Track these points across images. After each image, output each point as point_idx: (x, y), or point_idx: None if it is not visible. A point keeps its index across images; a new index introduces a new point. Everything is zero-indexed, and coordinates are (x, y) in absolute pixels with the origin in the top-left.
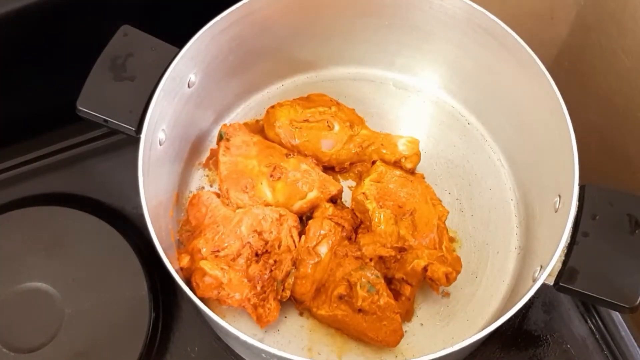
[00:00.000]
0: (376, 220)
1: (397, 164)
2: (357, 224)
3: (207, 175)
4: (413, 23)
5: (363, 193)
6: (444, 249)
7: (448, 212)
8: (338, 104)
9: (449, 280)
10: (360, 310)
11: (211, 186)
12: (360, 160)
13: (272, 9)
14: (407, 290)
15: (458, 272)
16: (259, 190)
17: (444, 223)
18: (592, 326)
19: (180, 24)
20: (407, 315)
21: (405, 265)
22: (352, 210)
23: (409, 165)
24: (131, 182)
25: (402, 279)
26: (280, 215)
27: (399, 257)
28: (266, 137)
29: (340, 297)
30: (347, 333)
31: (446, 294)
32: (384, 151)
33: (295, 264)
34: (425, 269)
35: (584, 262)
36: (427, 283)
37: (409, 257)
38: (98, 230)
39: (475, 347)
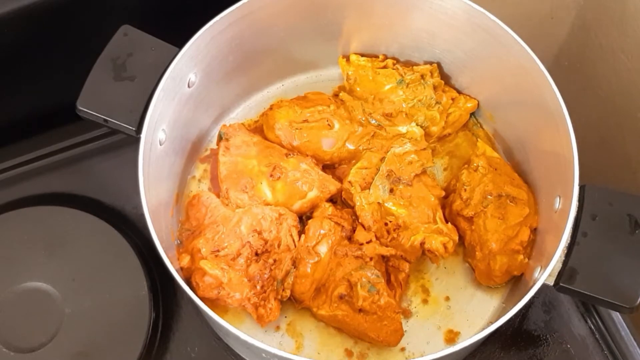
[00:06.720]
0: (358, 204)
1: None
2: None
3: (207, 171)
4: (413, 23)
5: (349, 181)
6: (437, 220)
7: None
8: (336, 101)
9: (447, 249)
10: (360, 310)
11: (199, 180)
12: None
13: (272, 9)
14: (405, 266)
15: (455, 242)
16: (258, 190)
17: (438, 199)
18: (592, 326)
19: (180, 24)
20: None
21: (403, 243)
22: (343, 198)
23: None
24: (131, 182)
25: (401, 256)
26: (280, 215)
27: (394, 235)
28: (265, 139)
29: (341, 297)
30: (347, 333)
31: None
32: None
33: (294, 263)
34: (422, 242)
35: (584, 262)
36: (426, 256)
37: (406, 234)
38: (98, 230)
39: (475, 347)
